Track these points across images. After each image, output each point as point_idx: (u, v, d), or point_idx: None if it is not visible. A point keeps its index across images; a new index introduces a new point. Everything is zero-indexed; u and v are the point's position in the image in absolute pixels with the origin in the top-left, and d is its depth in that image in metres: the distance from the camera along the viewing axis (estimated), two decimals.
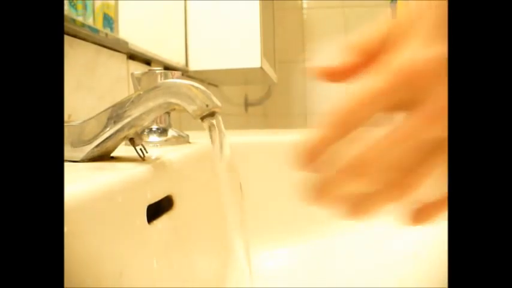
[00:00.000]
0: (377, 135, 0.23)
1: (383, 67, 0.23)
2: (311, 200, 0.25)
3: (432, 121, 0.22)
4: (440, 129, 0.22)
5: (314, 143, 0.24)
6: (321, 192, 0.25)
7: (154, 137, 0.55)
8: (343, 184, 0.24)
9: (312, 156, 0.24)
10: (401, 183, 0.24)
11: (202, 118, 0.34)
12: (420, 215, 0.26)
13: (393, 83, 0.23)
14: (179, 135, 0.56)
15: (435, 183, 0.25)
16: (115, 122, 0.36)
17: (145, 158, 0.38)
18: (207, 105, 0.33)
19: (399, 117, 0.23)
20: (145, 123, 0.37)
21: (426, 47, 0.23)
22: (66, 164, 0.36)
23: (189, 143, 0.57)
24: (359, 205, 0.26)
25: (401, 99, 0.23)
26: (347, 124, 0.23)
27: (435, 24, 0.23)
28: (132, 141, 0.37)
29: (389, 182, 0.24)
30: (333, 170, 0.24)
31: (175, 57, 1.13)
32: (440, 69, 0.22)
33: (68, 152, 0.37)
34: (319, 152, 0.24)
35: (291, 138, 0.71)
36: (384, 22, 0.26)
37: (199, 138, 0.59)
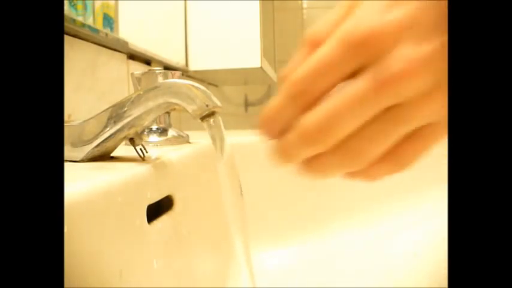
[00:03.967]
0: (327, 101, 0.23)
1: (334, 35, 0.23)
2: (275, 162, 0.25)
3: (379, 87, 0.21)
4: (391, 96, 0.21)
5: (272, 113, 0.24)
6: (281, 155, 0.25)
7: (154, 137, 0.55)
8: (300, 149, 0.24)
9: (271, 126, 0.25)
10: (346, 147, 0.23)
11: (202, 118, 0.34)
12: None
13: (343, 49, 0.22)
14: (179, 135, 0.56)
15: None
16: (115, 122, 0.36)
17: (145, 158, 0.38)
18: (207, 105, 0.33)
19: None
20: (145, 123, 0.37)
21: (383, 12, 0.22)
22: (66, 164, 0.36)
23: (189, 143, 0.57)
24: (311, 166, 0.25)
25: (355, 66, 0.22)
26: (303, 96, 0.23)
27: None
28: (132, 141, 0.37)
29: (335, 146, 0.24)
30: (290, 136, 0.24)
31: (175, 57, 1.13)
32: (401, 33, 0.21)
33: (68, 152, 0.37)
34: (278, 121, 0.24)
35: None
36: (344, 3, 0.25)
37: (199, 138, 0.59)
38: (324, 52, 0.22)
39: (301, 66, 0.23)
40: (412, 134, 0.24)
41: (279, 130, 0.25)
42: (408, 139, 0.24)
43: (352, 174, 0.25)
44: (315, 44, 0.24)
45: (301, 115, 0.24)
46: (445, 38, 0.21)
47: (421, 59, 0.21)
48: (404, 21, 0.21)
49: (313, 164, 0.25)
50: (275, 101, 0.24)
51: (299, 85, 0.23)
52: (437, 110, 0.22)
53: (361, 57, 0.22)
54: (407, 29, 0.21)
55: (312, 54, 0.23)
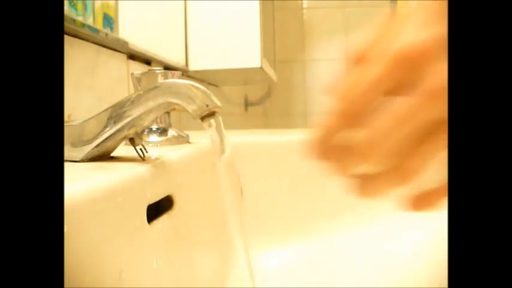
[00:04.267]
0: (379, 117, 0.24)
1: (378, 54, 0.24)
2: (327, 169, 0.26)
3: (430, 100, 0.23)
4: (440, 109, 0.23)
5: (323, 133, 0.25)
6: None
7: (154, 137, 0.55)
8: (351, 165, 0.25)
9: (322, 146, 0.26)
10: (402, 167, 0.25)
11: (202, 118, 0.34)
12: (420, 201, 0.27)
13: (389, 66, 0.23)
14: (179, 135, 0.56)
15: (438, 169, 0.25)
16: (115, 122, 0.36)
17: (145, 158, 0.38)
18: (207, 105, 0.33)
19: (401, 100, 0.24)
20: (145, 123, 0.37)
21: (420, 30, 0.23)
22: (66, 164, 0.36)
23: (189, 143, 0.57)
24: (365, 186, 0.26)
25: (401, 81, 0.23)
26: (351, 113, 0.25)
27: (430, 10, 0.24)
28: (132, 141, 0.37)
29: (391, 166, 0.25)
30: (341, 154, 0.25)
31: (175, 57, 1.13)
32: (438, 49, 0.22)
33: (68, 152, 0.37)
34: (328, 141, 0.25)
35: (291, 138, 0.71)
36: (383, 22, 0.26)
37: (199, 138, 0.59)
38: (373, 70, 0.24)
39: (350, 83, 0.25)
40: None
41: (329, 149, 0.26)
42: None
43: (418, 204, 0.27)
44: (360, 60, 0.26)
45: (350, 131, 0.25)
46: None
47: None
48: (438, 36, 0.23)
49: (367, 183, 0.26)
50: (326, 121, 0.25)
51: (350, 100, 0.24)
52: None
53: (409, 73, 0.23)
54: (441, 42, 0.22)
55: (358, 72, 0.25)
